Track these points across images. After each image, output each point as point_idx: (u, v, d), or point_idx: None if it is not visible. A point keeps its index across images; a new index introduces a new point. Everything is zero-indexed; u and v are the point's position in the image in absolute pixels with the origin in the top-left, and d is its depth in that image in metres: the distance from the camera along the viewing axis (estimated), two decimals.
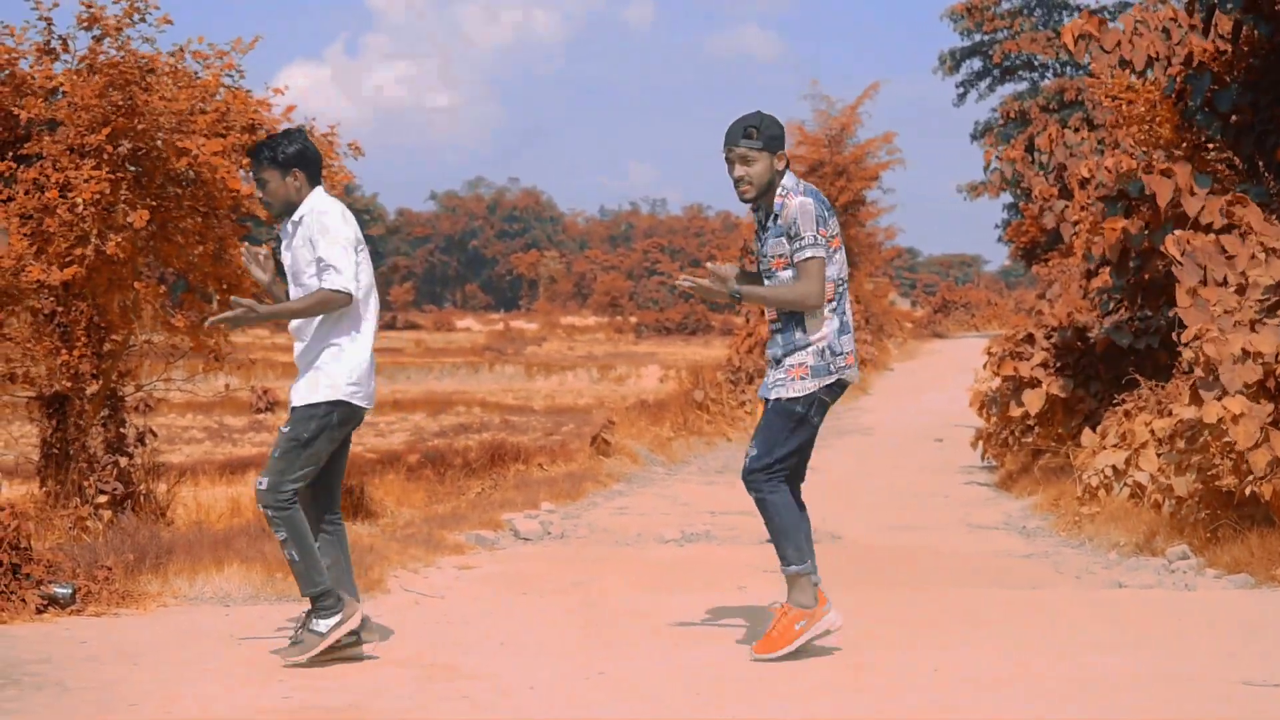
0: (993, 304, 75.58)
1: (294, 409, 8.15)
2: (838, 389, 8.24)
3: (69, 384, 12.72)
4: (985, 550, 13.22)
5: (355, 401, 8.16)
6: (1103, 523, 13.31)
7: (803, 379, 8.15)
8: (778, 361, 8.25)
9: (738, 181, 8.21)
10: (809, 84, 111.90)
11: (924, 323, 72.86)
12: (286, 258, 8.31)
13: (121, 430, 13.37)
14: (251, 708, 7.13)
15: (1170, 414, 13.54)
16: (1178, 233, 13.93)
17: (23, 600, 8.94)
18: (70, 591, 9.18)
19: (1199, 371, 12.01)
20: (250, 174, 9.60)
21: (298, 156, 8.23)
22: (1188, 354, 12.51)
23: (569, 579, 11.31)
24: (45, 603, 9.06)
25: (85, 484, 12.69)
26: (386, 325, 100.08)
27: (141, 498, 13.07)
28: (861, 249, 49.44)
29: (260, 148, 8.31)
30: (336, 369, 8.14)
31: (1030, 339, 19.10)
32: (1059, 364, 17.91)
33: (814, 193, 8.21)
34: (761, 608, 9.58)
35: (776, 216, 8.18)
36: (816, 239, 8.05)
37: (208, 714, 7.03)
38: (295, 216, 8.23)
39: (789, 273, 8.15)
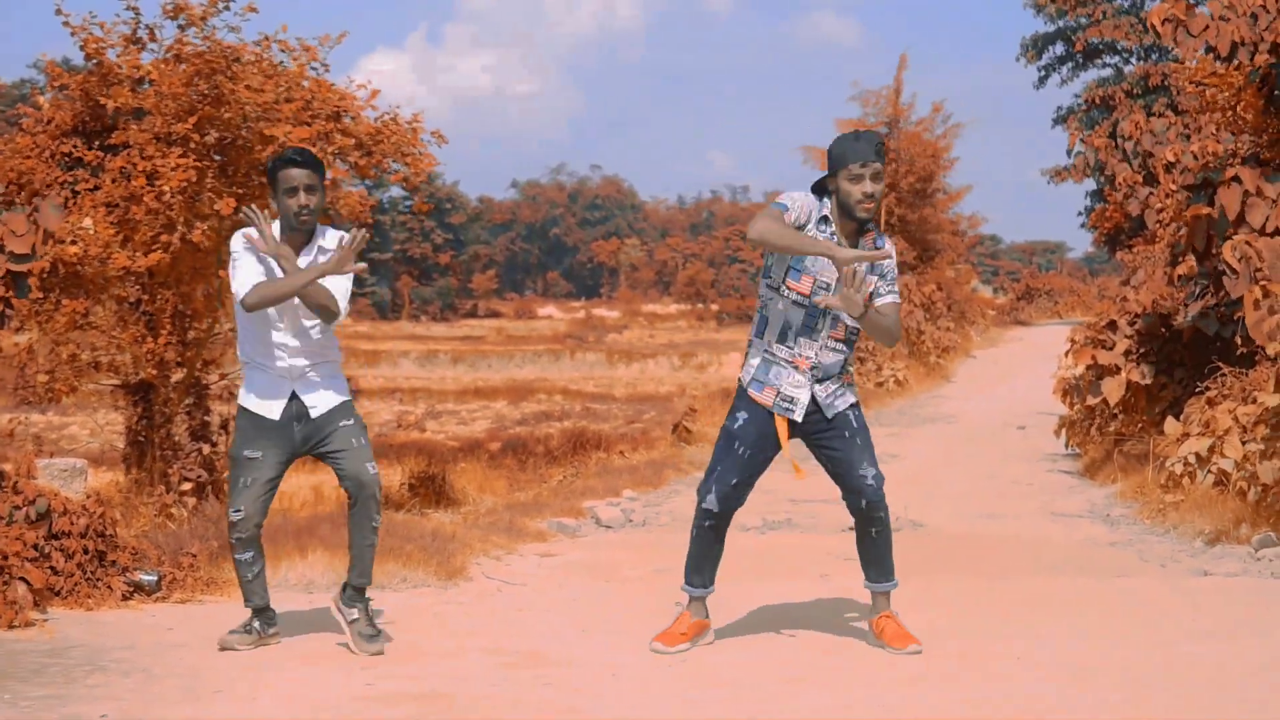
0: (1075, 291, 75.24)
1: (346, 407, 8.01)
2: None
3: (154, 372, 12.81)
4: (1069, 538, 13.15)
5: None
6: (1187, 511, 13.20)
7: (851, 385, 8.23)
8: (833, 377, 8.12)
9: (868, 197, 7.89)
10: (850, 85, 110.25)
11: (1007, 310, 72.64)
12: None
13: (205, 418, 13.45)
14: (337, 694, 7.15)
15: (1255, 401, 13.43)
16: (1236, 236, 13.79)
17: (109, 587, 9.00)
18: (155, 578, 9.24)
19: None
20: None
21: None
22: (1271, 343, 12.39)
23: (651, 566, 11.31)
24: (131, 589, 9.12)
25: (169, 471, 12.78)
26: (467, 313, 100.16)
27: (225, 485, 13.15)
28: (944, 235, 49.13)
29: (321, 161, 8.12)
30: (342, 377, 8.13)
31: (1113, 325, 18.97)
32: (1142, 350, 17.78)
33: None
34: (844, 596, 9.56)
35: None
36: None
37: (293, 700, 7.06)
38: (326, 242, 7.93)
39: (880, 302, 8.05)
